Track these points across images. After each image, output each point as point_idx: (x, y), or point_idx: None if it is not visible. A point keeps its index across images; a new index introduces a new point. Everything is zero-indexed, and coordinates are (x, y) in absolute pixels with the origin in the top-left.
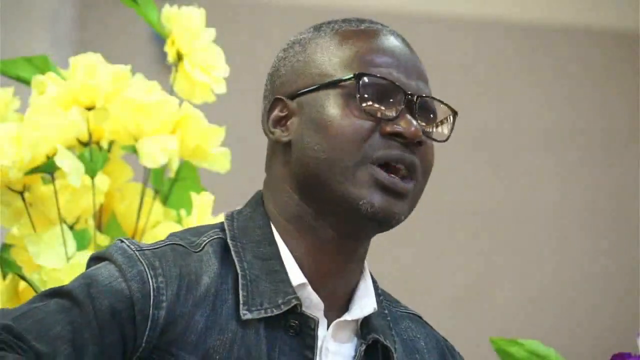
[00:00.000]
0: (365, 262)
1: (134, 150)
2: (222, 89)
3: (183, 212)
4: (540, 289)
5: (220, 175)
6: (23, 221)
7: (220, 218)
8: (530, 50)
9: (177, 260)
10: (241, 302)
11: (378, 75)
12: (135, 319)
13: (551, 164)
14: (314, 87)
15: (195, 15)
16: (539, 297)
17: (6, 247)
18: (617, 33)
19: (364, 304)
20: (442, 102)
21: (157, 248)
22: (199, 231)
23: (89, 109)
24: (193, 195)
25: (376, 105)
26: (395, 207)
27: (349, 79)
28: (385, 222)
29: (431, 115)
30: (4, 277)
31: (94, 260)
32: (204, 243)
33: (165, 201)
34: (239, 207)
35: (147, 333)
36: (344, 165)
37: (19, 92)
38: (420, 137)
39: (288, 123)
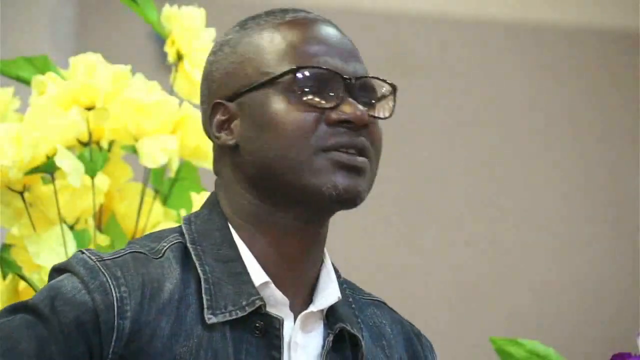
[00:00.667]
0: (325, 250)
1: (134, 150)
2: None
3: (183, 212)
4: (540, 288)
5: None
6: (23, 221)
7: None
8: (529, 50)
9: (139, 269)
10: (205, 306)
11: (314, 65)
12: (101, 330)
13: (551, 164)
14: (251, 86)
15: (195, 15)
16: (539, 297)
17: (6, 247)
18: (617, 33)
19: (328, 293)
20: (380, 79)
21: (118, 257)
22: (158, 236)
23: (89, 109)
24: (193, 195)
25: (317, 96)
26: (358, 185)
27: (286, 73)
28: (350, 201)
29: (372, 94)
30: (4, 277)
31: (56, 272)
32: (164, 249)
33: (165, 201)
34: (194, 211)
35: (113, 343)
36: (297, 159)
37: (19, 92)
38: (367, 120)
39: (232, 126)
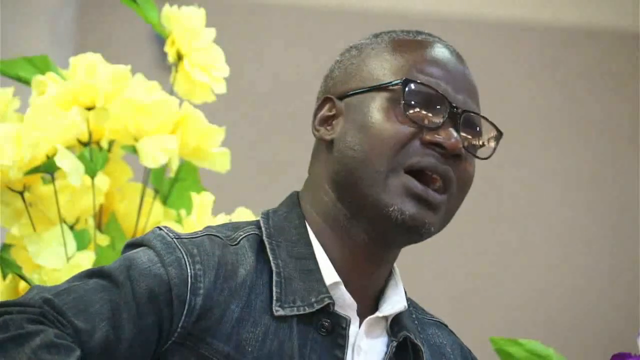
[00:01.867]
0: (395, 265)
1: (134, 150)
2: (222, 89)
3: (183, 212)
4: (540, 288)
5: (220, 175)
6: (23, 221)
7: (220, 219)
8: (529, 50)
9: (215, 250)
10: (274, 298)
11: (425, 83)
12: (173, 303)
13: (551, 164)
14: (363, 89)
15: (195, 15)
16: (539, 297)
17: (6, 247)
18: (617, 33)
19: (394, 301)
20: (488, 121)
21: (196, 237)
22: (235, 226)
23: (89, 109)
24: (193, 195)
25: (420, 113)
26: (425, 217)
27: (396, 83)
28: (414, 230)
29: (475, 132)
30: (4, 277)
31: (131, 246)
32: (240, 237)
33: (165, 201)
34: (273, 208)
35: (183, 318)
36: (378, 170)
37: (19, 92)
38: (459, 150)
39: (334, 122)
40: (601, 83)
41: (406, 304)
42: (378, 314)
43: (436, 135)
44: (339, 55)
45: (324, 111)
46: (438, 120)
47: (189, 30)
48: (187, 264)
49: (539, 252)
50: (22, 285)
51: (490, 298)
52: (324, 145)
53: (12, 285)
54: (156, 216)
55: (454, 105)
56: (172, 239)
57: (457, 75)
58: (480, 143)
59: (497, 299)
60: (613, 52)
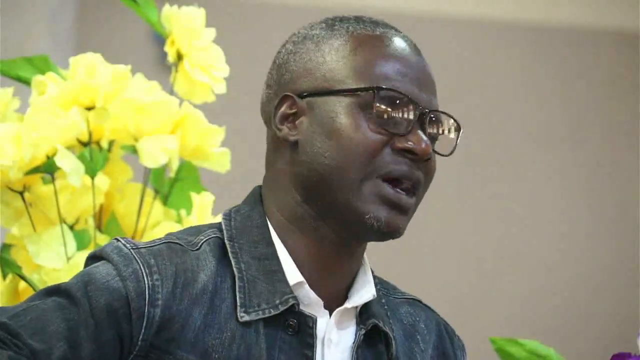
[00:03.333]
0: (365, 256)
1: (134, 150)
2: (222, 89)
3: (183, 212)
4: (540, 288)
5: (220, 175)
6: (23, 221)
7: (220, 218)
8: (530, 50)
9: (173, 258)
10: (238, 304)
11: (394, 88)
12: (132, 317)
13: (551, 164)
14: (327, 90)
15: (195, 15)
16: (539, 297)
17: (6, 247)
18: (617, 33)
19: (364, 291)
20: (451, 117)
21: (153, 246)
22: (196, 230)
23: (89, 109)
24: (193, 195)
25: (390, 120)
26: (399, 222)
27: (365, 89)
28: (388, 235)
29: (438, 128)
30: (4, 277)
31: (92, 259)
32: (201, 242)
33: (165, 201)
34: (237, 205)
35: (143, 331)
36: (351, 177)
37: (19, 92)
38: (430, 155)
39: (297, 122)
40: (601, 83)
41: (375, 293)
42: (347, 305)
43: (407, 143)
44: (290, 43)
45: (284, 108)
46: (407, 124)
47: (189, 30)
48: (144, 275)
49: (539, 252)
50: (22, 285)
51: (490, 298)
52: (287, 145)
53: (12, 285)
54: (156, 216)
55: (421, 107)
56: (129, 250)
57: (419, 72)
58: (443, 138)
59: (497, 299)
60: (613, 52)
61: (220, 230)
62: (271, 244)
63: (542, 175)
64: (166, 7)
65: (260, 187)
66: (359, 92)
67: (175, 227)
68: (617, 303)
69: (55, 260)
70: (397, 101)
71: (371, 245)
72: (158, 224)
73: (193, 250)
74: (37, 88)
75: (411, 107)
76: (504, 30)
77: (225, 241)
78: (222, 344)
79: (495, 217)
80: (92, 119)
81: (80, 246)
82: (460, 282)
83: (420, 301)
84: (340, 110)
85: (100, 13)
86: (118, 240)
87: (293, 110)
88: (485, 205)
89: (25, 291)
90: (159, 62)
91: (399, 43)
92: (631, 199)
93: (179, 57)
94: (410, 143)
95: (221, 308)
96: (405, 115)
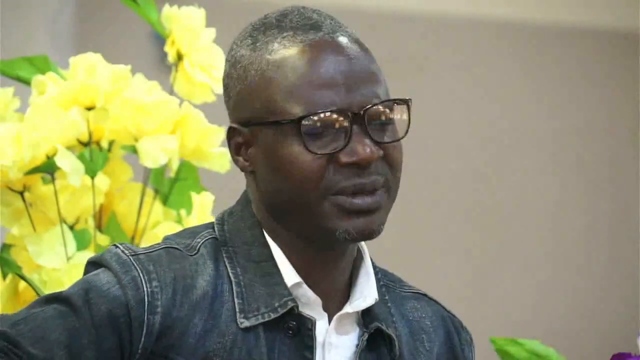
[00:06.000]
0: (364, 245)
1: (134, 150)
2: (222, 89)
3: (183, 212)
4: (540, 289)
5: (220, 175)
6: (23, 221)
7: None
8: (529, 50)
9: (172, 264)
10: (237, 310)
11: (318, 111)
12: (132, 325)
13: (551, 164)
14: (261, 121)
15: (195, 15)
16: (539, 297)
17: (6, 247)
18: (617, 33)
19: (366, 293)
20: (389, 100)
21: (152, 252)
22: (193, 232)
23: (89, 109)
24: (193, 195)
25: (325, 140)
26: (372, 224)
27: (292, 121)
28: (365, 238)
29: (384, 117)
30: (4, 277)
31: (91, 264)
32: (199, 245)
33: (165, 201)
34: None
35: (143, 339)
36: (306, 202)
37: (19, 92)
38: (375, 158)
39: (248, 152)
40: (601, 83)
41: (377, 296)
42: (348, 309)
43: (350, 156)
44: (227, 63)
45: (235, 139)
46: (346, 135)
47: (189, 30)
48: (143, 282)
49: (539, 252)
50: (22, 285)
51: (491, 298)
52: (249, 174)
53: (12, 286)
54: (156, 216)
55: (352, 111)
56: (128, 256)
57: (347, 73)
58: (392, 123)
59: (497, 299)
60: (613, 52)
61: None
62: (266, 245)
63: (542, 174)
64: (166, 7)
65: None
66: (286, 123)
67: (175, 227)
68: (617, 303)
69: (55, 261)
70: (326, 119)
71: (369, 244)
72: (158, 224)
73: (192, 255)
74: (37, 88)
75: (340, 118)
76: (503, 30)
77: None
78: (223, 348)
79: (495, 217)
80: (92, 119)
81: (80, 246)
82: (460, 282)
83: (426, 295)
84: (277, 143)
85: (100, 13)
86: (117, 247)
87: (242, 140)
88: (485, 204)
89: (25, 291)
90: (159, 62)
91: (322, 51)
92: (631, 198)
93: (179, 57)
94: (352, 156)
95: (221, 312)
96: (339, 127)
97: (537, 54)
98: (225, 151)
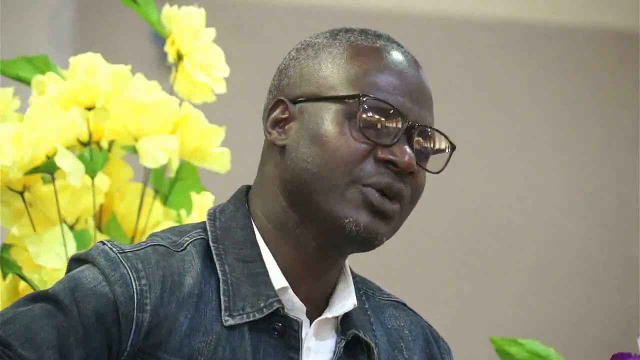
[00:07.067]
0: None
1: (134, 150)
2: (222, 89)
3: (183, 212)
4: (540, 288)
5: (220, 175)
6: (23, 221)
7: None
8: (529, 50)
9: (160, 262)
10: (222, 307)
11: (381, 98)
12: (120, 322)
13: (551, 164)
14: (317, 96)
15: (195, 15)
16: (539, 297)
17: (6, 247)
18: (617, 33)
19: (345, 300)
20: (442, 134)
21: (139, 250)
22: (181, 230)
23: (89, 109)
24: (193, 195)
25: (375, 130)
26: (379, 228)
27: (352, 97)
28: (367, 242)
29: (429, 143)
30: (4, 277)
31: (76, 261)
32: (187, 243)
33: (165, 201)
34: (220, 204)
35: (131, 336)
36: (333, 184)
37: (19, 92)
38: (413, 169)
39: (287, 127)
40: (601, 83)
41: (355, 302)
42: (327, 314)
43: (390, 155)
44: (294, 50)
45: (277, 113)
46: (393, 136)
47: (189, 30)
48: (132, 280)
49: (539, 251)
50: (22, 285)
51: (490, 298)
52: (277, 149)
53: (12, 285)
54: (156, 216)
55: (409, 120)
56: (116, 254)
57: (414, 86)
58: (433, 153)
59: (497, 298)
60: (613, 52)
61: (205, 231)
62: (256, 245)
63: (542, 174)
64: (166, 7)
65: (247, 187)
66: (346, 100)
67: None
68: (617, 303)
69: (55, 261)
70: (384, 111)
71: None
72: (158, 224)
73: (178, 252)
74: (37, 88)
75: (398, 118)
76: (503, 30)
77: (210, 243)
78: (207, 347)
79: (495, 217)
80: (92, 119)
81: (80, 246)
82: (459, 281)
83: (404, 304)
84: (327, 117)
85: (100, 13)
86: (104, 244)
87: (285, 115)
88: (484, 204)
89: (25, 291)
90: (159, 62)
91: (397, 57)
92: (632, 198)
93: (179, 57)
94: (392, 155)
95: (206, 311)
96: (391, 126)
97: (537, 54)
98: (226, 151)
